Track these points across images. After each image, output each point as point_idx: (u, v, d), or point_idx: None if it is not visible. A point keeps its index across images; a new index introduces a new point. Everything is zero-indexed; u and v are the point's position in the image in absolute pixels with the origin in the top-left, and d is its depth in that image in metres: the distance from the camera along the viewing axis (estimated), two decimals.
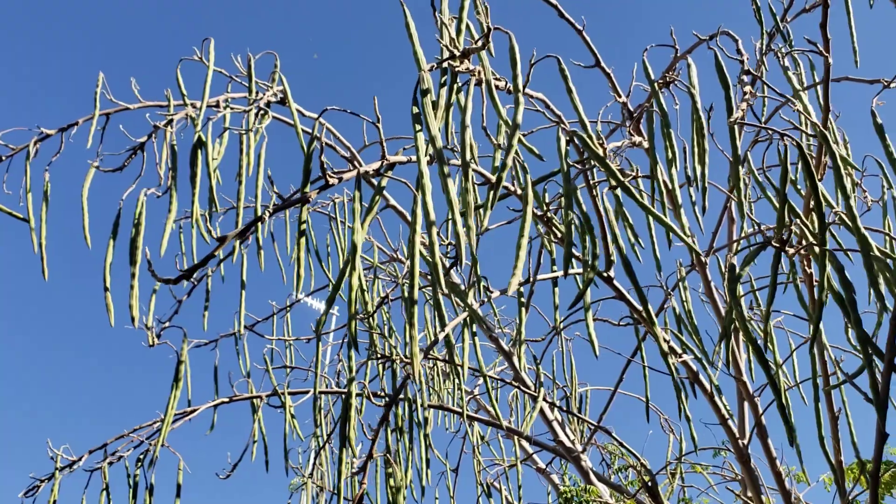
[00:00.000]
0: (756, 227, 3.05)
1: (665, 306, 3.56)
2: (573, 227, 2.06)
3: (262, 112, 2.75)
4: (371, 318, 3.47)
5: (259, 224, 1.90)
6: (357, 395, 2.68)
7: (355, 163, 1.96)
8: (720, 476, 4.48)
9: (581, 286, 2.69)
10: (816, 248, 1.82)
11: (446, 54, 1.67)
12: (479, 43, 1.68)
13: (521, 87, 1.64)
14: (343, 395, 4.12)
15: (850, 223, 1.79)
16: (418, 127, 1.68)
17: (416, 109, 1.72)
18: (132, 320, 2.24)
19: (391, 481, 2.43)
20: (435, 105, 1.61)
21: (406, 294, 1.64)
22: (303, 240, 1.88)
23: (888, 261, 1.99)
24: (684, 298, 3.40)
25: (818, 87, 2.47)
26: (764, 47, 3.04)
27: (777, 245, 1.87)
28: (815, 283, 2.55)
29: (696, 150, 2.46)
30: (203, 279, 3.89)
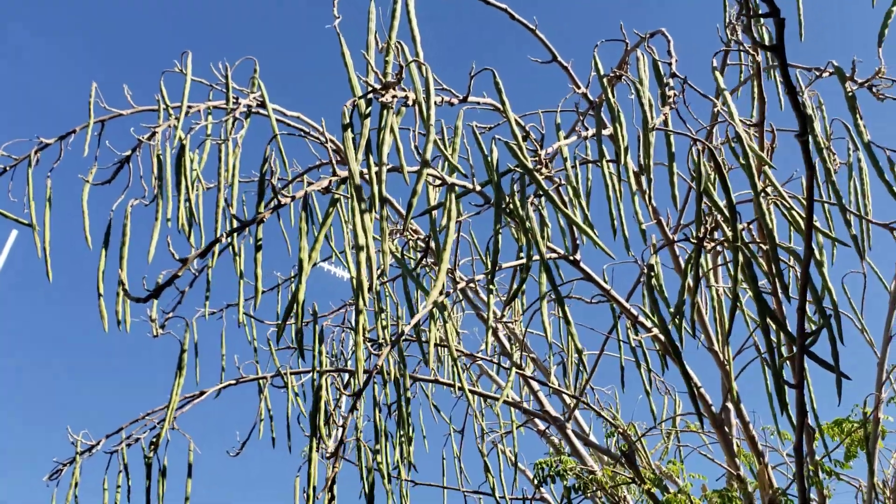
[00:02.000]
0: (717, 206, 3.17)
1: (641, 281, 3.71)
2: (521, 225, 2.22)
3: (237, 121, 2.92)
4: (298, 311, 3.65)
5: (230, 236, 2.08)
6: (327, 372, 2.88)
7: (306, 179, 2.13)
8: (710, 435, 4.64)
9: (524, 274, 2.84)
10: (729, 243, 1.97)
11: (368, 88, 1.83)
12: (394, 80, 1.83)
13: (431, 123, 1.79)
14: (312, 378, 4.34)
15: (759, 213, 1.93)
16: (347, 153, 1.85)
17: (347, 135, 1.88)
18: (118, 324, 2.44)
19: (378, 463, 2.63)
20: (359, 137, 1.78)
21: (354, 302, 1.81)
22: (259, 255, 2.06)
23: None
24: (655, 273, 3.54)
25: (754, 81, 2.58)
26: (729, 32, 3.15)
27: (695, 241, 2.02)
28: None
29: (641, 143, 2.59)
30: (204, 270, 4.10)
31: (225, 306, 4.46)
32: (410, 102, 1.91)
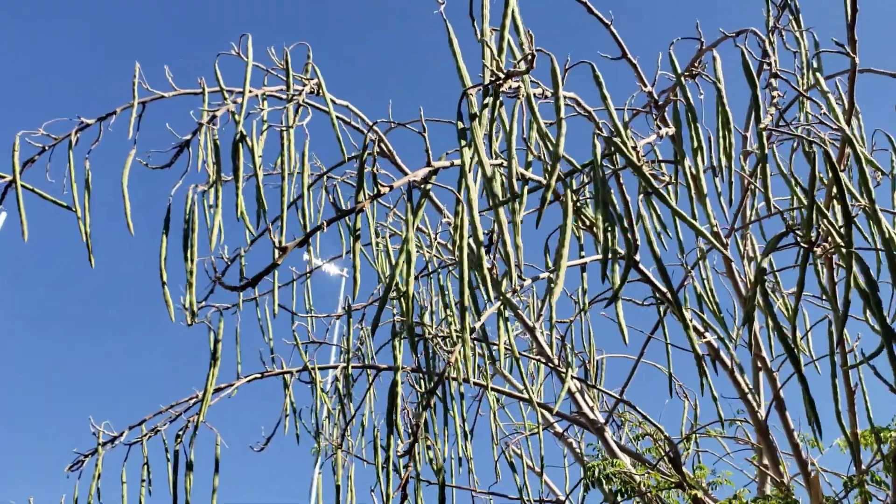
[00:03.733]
0: (774, 209, 3.15)
1: (685, 284, 3.68)
2: (608, 226, 2.17)
3: (301, 107, 2.84)
4: (404, 298, 3.58)
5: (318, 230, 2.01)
6: (403, 369, 2.81)
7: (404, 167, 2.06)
8: (735, 442, 4.62)
9: (607, 272, 2.80)
10: (843, 249, 1.93)
11: (490, 76, 1.77)
12: (523, 66, 1.77)
13: (562, 113, 1.73)
14: (371, 371, 4.27)
15: (874, 223, 1.89)
16: (464, 142, 1.79)
17: (461, 125, 1.82)
18: (190, 315, 2.36)
19: (432, 459, 2.57)
20: (480, 123, 1.72)
21: (458, 302, 1.75)
22: (357, 245, 1.99)
23: None
24: (705, 277, 3.52)
25: (836, 82, 2.55)
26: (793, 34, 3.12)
27: (805, 245, 1.98)
28: (834, 268, 2.66)
29: (721, 142, 2.55)
30: (236, 259, 4.01)
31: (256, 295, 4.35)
32: (522, 95, 1.85)
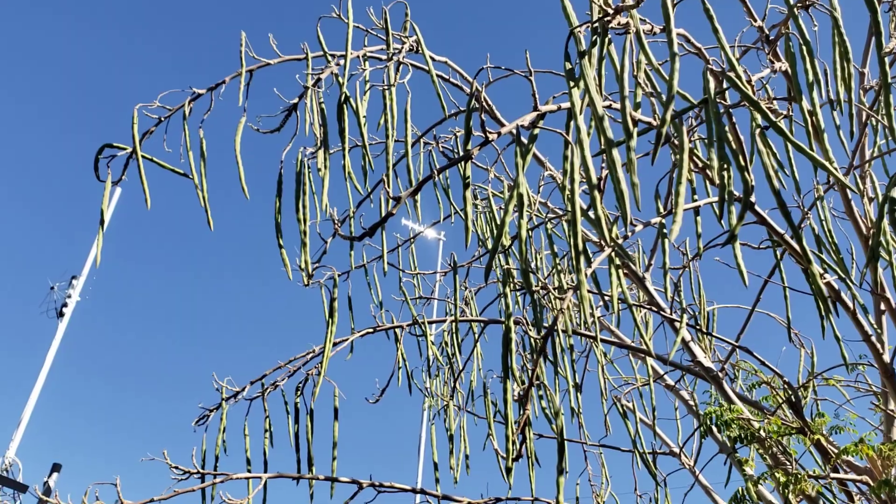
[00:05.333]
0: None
1: (802, 226, 3.56)
2: (724, 164, 2.12)
3: (401, 64, 2.87)
4: (508, 251, 3.61)
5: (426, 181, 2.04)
6: (517, 320, 2.84)
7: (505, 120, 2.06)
8: (855, 389, 4.47)
9: (723, 215, 2.74)
10: None
11: (599, 12, 1.74)
12: (633, 1, 1.74)
13: (675, 48, 1.69)
14: (478, 325, 4.32)
15: None
16: (572, 83, 1.77)
17: (568, 65, 1.80)
18: (309, 276, 2.44)
19: (545, 408, 2.59)
20: (590, 61, 1.70)
21: (572, 253, 1.75)
22: (468, 192, 2.02)
23: None
24: (823, 217, 3.39)
25: None
26: None
27: None
28: None
29: (840, 73, 2.44)
30: (345, 220, 4.11)
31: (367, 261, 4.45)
32: (632, 31, 1.82)
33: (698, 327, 3.85)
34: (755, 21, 2.84)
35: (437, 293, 6.18)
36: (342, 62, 2.93)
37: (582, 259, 1.75)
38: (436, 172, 1.91)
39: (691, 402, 4.78)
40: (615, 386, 5.05)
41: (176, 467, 3.29)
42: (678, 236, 4.17)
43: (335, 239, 2.91)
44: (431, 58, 3.40)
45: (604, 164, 1.74)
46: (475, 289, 4.99)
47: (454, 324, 4.21)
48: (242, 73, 3.46)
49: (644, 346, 3.36)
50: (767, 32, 2.93)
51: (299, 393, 4.11)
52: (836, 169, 3.11)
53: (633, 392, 4.97)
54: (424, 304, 4.76)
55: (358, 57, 3.05)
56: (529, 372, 2.46)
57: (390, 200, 1.99)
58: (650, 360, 4.36)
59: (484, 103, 3.80)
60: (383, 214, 2.97)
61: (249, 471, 4.00)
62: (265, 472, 3.82)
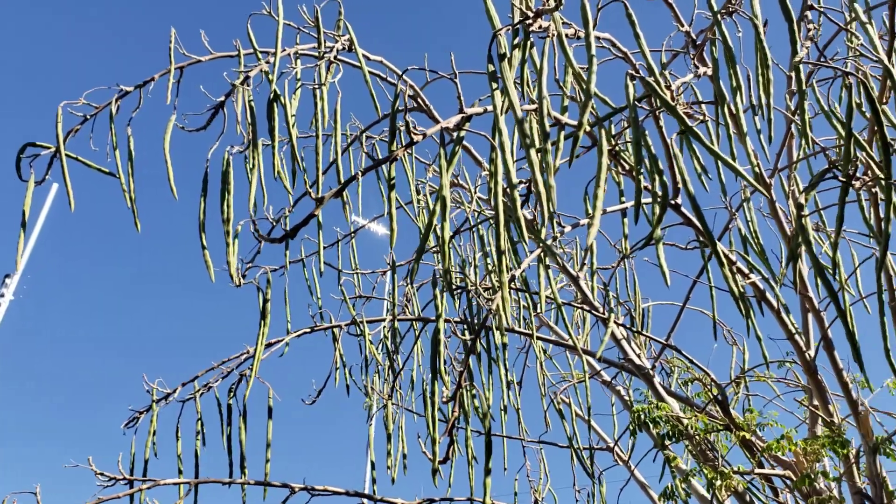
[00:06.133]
0: (818, 147, 3.08)
1: (730, 226, 3.64)
2: (642, 166, 2.15)
3: (332, 64, 2.85)
4: (447, 250, 3.61)
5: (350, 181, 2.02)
6: (447, 320, 2.85)
7: (436, 115, 2.06)
8: (785, 385, 4.59)
9: (648, 215, 2.78)
10: (882, 181, 1.88)
11: (520, 15, 1.75)
12: (552, 5, 1.75)
13: (593, 51, 1.71)
14: (417, 324, 4.32)
15: None
16: (494, 85, 1.78)
17: (491, 67, 1.81)
18: (231, 277, 2.41)
19: (475, 407, 2.60)
20: (510, 65, 1.70)
21: (495, 246, 1.76)
22: (393, 194, 2.01)
23: None
24: (749, 218, 3.47)
25: (883, 16, 2.47)
26: None
27: (844, 179, 1.94)
28: (879, 204, 2.60)
29: (760, 79, 2.49)
30: (281, 219, 4.07)
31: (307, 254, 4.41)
32: (553, 34, 1.83)
33: (627, 326, 3.90)
34: (682, 26, 2.89)
35: (382, 292, 6.17)
36: (272, 59, 2.90)
37: (504, 261, 1.76)
38: (360, 174, 1.90)
39: (627, 399, 4.85)
40: (553, 382, 5.10)
41: (101, 474, 3.22)
42: (616, 236, 4.21)
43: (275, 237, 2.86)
44: (365, 56, 3.39)
45: (524, 167, 1.75)
46: (417, 286, 4.99)
47: (393, 323, 4.20)
48: (171, 70, 3.40)
49: (572, 343, 3.40)
50: (695, 37, 2.98)
51: (232, 395, 4.05)
52: (756, 175, 3.19)
53: (570, 389, 5.04)
54: (364, 303, 4.73)
55: (289, 55, 3.02)
56: (459, 373, 2.46)
57: (315, 201, 1.97)
58: (587, 357, 4.41)
59: (421, 103, 3.80)
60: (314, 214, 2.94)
61: (181, 474, 3.94)
62: (196, 475, 3.76)
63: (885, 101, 2.61)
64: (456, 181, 4.92)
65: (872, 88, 2.87)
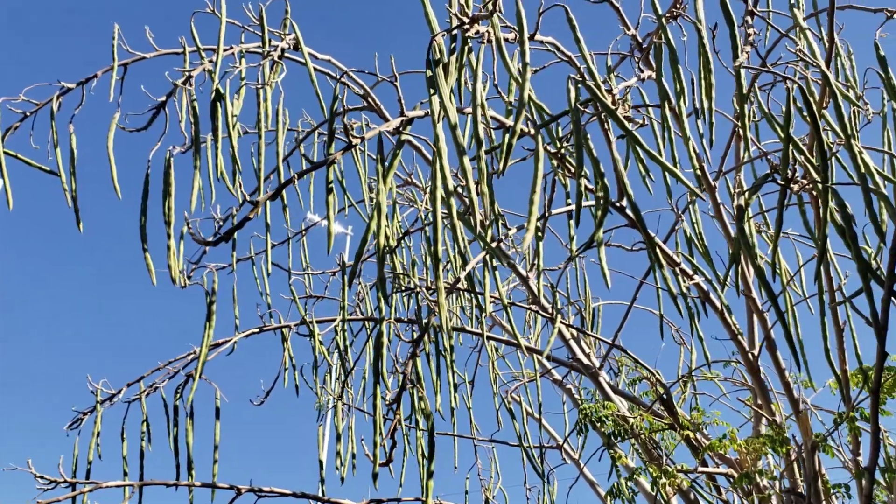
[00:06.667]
0: (761, 151, 3.13)
1: (676, 228, 3.68)
2: (583, 169, 2.16)
3: (276, 64, 2.82)
4: (393, 252, 3.60)
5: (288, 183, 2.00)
6: (388, 321, 2.83)
7: (375, 117, 2.05)
8: (731, 383, 4.65)
9: (595, 216, 2.79)
10: (819, 184, 1.92)
11: (456, 21, 1.75)
12: (488, 10, 1.75)
13: (527, 58, 1.71)
14: (370, 323, 4.30)
15: (850, 159, 1.88)
16: (432, 91, 1.77)
17: (429, 73, 1.80)
18: (173, 280, 2.37)
19: (422, 409, 2.60)
20: (447, 71, 1.70)
21: (430, 251, 1.75)
22: (331, 198, 1.99)
23: (888, 189, 2.09)
24: (695, 220, 3.51)
25: (816, 19, 2.51)
26: None
27: (782, 183, 1.97)
28: (820, 207, 2.65)
29: (702, 84, 2.52)
30: (228, 219, 4.01)
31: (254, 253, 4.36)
32: (493, 39, 1.83)
33: (574, 326, 3.93)
34: (628, 30, 2.91)
35: (336, 291, 6.13)
36: (216, 59, 2.86)
37: (440, 268, 1.75)
38: (295, 178, 1.88)
39: (577, 397, 4.89)
40: (504, 381, 5.12)
41: (41, 477, 3.15)
42: (568, 236, 4.22)
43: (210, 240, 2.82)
44: (313, 55, 3.36)
45: (456, 172, 1.75)
46: (370, 285, 4.96)
47: (343, 323, 4.18)
48: (115, 66, 3.33)
49: (516, 341, 3.42)
50: (641, 41, 3.00)
51: (178, 396, 4.00)
52: (701, 176, 3.23)
53: (521, 387, 5.06)
54: (315, 303, 4.69)
55: (233, 54, 2.98)
56: (403, 375, 2.46)
57: (259, 202, 1.95)
58: (537, 356, 4.44)
59: (371, 102, 3.78)
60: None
61: (126, 477, 3.87)
62: (141, 478, 3.71)
63: (825, 105, 2.66)
64: (409, 179, 4.91)
65: (813, 94, 2.93)
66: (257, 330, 4.28)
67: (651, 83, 2.93)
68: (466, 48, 1.81)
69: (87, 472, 3.72)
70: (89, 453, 3.82)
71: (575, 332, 4.05)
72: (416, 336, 2.61)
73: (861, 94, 3.42)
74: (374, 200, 1.85)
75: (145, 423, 4.11)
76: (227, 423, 4.22)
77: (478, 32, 1.81)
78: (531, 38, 2.18)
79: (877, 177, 2.20)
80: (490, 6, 1.76)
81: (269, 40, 3.03)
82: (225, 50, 2.97)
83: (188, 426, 3.92)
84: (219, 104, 2.77)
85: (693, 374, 3.99)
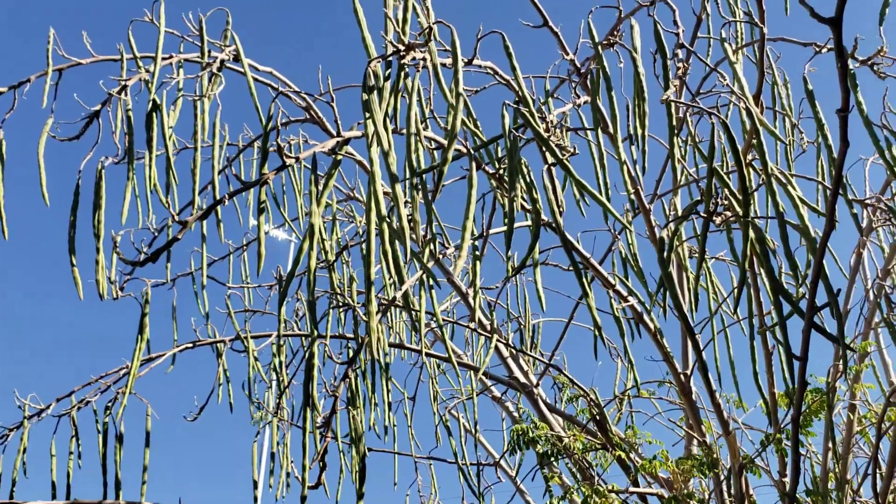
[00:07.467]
0: (693, 178, 3.19)
1: (612, 248, 3.73)
2: (520, 191, 2.18)
3: (214, 76, 2.78)
4: (331, 267, 3.58)
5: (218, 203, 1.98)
6: (320, 340, 2.81)
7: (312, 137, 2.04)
8: (667, 402, 4.72)
9: (507, 243, 2.83)
10: (741, 217, 1.97)
11: (392, 49, 1.75)
12: (422, 39, 1.75)
13: (461, 87, 1.73)
14: (307, 340, 4.26)
15: (769, 195, 1.94)
16: (368, 115, 1.77)
17: (365, 96, 1.80)
18: (100, 296, 2.32)
19: (353, 429, 2.59)
20: (381, 96, 1.70)
21: (365, 272, 1.75)
22: (262, 217, 1.97)
23: (808, 221, 2.16)
24: (630, 241, 3.57)
25: (754, 48, 2.58)
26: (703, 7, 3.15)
27: (705, 216, 2.01)
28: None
29: (636, 111, 2.57)
30: (163, 230, 3.94)
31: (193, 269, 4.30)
32: (429, 66, 1.83)
33: (509, 344, 3.96)
34: (567, 55, 2.95)
35: (281, 307, 6.04)
36: (152, 68, 2.81)
37: (372, 291, 1.75)
38: (226, 198, 1.86)
39: (516, 415, 4.91)
40: (443, 399, 5.12)
41: None
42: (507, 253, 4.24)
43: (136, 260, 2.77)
44: (254, 67, 3.33)
45: (392, 194, 1.74)
46: (278, 302, 4.90)
47: (279, 339, 4.13)
48: (49, 71, 3.26)
49: (450, 359, 3.43)
50: (579, 66, 3.05)
51: (108, 412, 3.90)
52: (639, 198, 3.29)
53: (460, 404, 5.07)
54: (251, 317, 4.64)
55: (171, 64, 2.94)
56: (334, 396, 2.44)
57: (188, 221, 1.92)
58: (475, 373, 4.45)
59: (314, 116, 3.76)
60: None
61: (54, 496, 3.76)
62: (68, 497, 3.61)
63: (753, 138, 2.73)
64: (352, 194, 4.89)
65: (745, 124, 3.00)
66: (191, 345, 4.21)
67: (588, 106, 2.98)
68: (403, 73, 1.81)
69: (11, 493, 3.61)
70: (14, 471, 3.70)
71: (513, 350, 4.07)
72: (351, 354, 2.59)
73: (796, 122, 3.53)
74: (308, 222, 1.84)
75: (73, 440, 4.01)
76: (160, 439, 4.14)
77: (414, 59, 1.82)
78: (469, 63, 2.20)
79: (802, 208, 2.27)
80: (426, 34, 1.77)
81: (209, 51, 3.00)
82: (163, 59, 2.93)
83: (116, 444, 3.83)
84: (154, 115, 2.73)
85: (628, 394, 4.04)
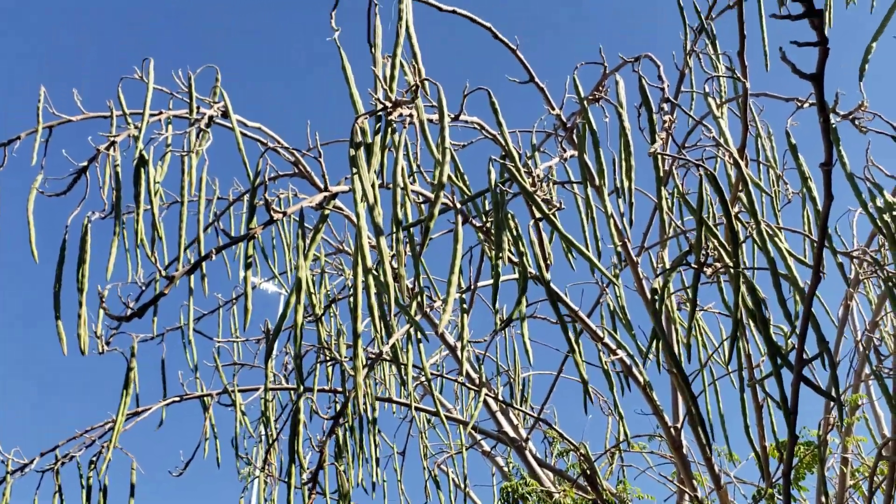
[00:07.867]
0: (681, 229, 3.21)
1: (600, 301, 3.73)
2: (507, 245, 2.19)
3: (202, 132, 2.80)
4: (319, 320, 3.56)
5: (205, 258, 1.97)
6: (307, 396, 2.78)
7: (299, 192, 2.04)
8: (658, 456, 4.68)
9: (493, 297, 2.82)
10: (732, 268, 1.97)
11: (379, 106, 1.77)
12: (410, 96, 1.78)
13: (447, 143, 1.74)
14: (295, 394, 4.21)
15: (759, 246, 1.95)
16: (355, 170, 1.78)
17: (352, 152, 1.81)
18: (82, 352, 2.30)
19: (340, 486, 2.55)
20: (368, 152, 1.71)
21: (352, 325, 1.74)
22: (249, 271, 1.97)
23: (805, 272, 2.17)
24: (618, 294, 3.56)
25: (738, 102, 2.62)
26: (688, 59, 3.21)
27: (696, 266, 2.02)
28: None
29: (623, 165, 2.59)
30: (151, 284, 3.92)
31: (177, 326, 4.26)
32: (416, 122, 1.85)
33: (498, 398, 3.93)
34: (553, 109, 2.98)
35: (268, 361, 5.99)
36: (141, 125, 2.83)
37: (359, 346, 1.74)
38: (213, 252, 1.86)
39: (506, 469, 4.85)
40: (433, 453, 5.06)
41: None
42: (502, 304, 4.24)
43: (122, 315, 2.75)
44: (243, 123, 3.35)
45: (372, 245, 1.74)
46: (265, 356, 4.87)
47: (265, 393, 4.09)
48: (39, 129, 3.27)
49: (438, 413, 3.39)
50: (565, 120, 3.08)
51: (93, 466, 3.83)
52: (627, 251, 3.30)
53: (450, 459, 5.01)
54: (238, 370, 4.59)
55: (160, 120, 2.96)
56: (320, 453, 2.41)
57: (175, 277, 1.91)
58: (465, 428, 4.41)
59: (302, 170, 3.78)
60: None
61: None
62: None
63: (739, 189, 2.75)
64: (341, 247, 4.89)
65: (730, 177, 3.03)
66: (178, 398, 4.16)
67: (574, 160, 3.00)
68: (390, 129, 1.83)
69: None
70: None
71: (502, 404, 4.04)
72: (338, 409, 2.57)
73: (781, 174, 3.57)
74: (295, 276, 1.84)
75: (57, 496, 3.94)
76: (146, 493, 4.07)
77: (401, 115, 1.84)
78: (455, 118, 2.22)
79: (790, 260, 2.28)
80: (413, 91, 1.79)
81: (198, 107, 3.02)
82: (152, 115, 2.95)
83: (101, 499, 3.76)
84: (142, 170, 2.73)
85: (619, 448, 4.00)
